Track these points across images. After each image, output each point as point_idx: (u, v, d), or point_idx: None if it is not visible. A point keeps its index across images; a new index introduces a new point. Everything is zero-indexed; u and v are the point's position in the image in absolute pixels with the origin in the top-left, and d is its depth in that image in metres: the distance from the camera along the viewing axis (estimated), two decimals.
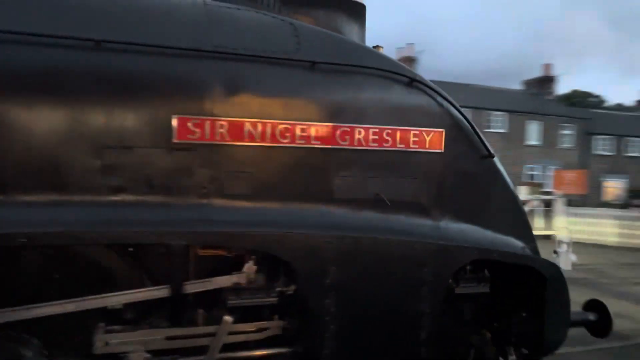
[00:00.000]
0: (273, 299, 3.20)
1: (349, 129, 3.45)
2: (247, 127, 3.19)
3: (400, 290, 3.41)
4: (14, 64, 2.80)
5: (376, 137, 3.52)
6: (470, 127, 3.80)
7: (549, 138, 39.82)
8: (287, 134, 3.29)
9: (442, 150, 3.70)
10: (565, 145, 40.51)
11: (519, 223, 4.12)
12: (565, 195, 15.87)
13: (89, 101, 2.91)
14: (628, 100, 73.60)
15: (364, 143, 3.49)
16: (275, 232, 3.13)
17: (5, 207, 2.72)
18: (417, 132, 3.64)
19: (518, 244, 3.98)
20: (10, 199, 2.74)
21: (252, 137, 3.20)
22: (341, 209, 3.41)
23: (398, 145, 3.59)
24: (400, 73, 3.64)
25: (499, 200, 4.01)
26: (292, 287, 3.20)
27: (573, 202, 20.49)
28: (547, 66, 43.42)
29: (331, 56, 3.47)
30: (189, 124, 3.07)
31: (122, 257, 3.01)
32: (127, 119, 2.97)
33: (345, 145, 3.44)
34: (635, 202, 29.86)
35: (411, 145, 3.62)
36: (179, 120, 3.05)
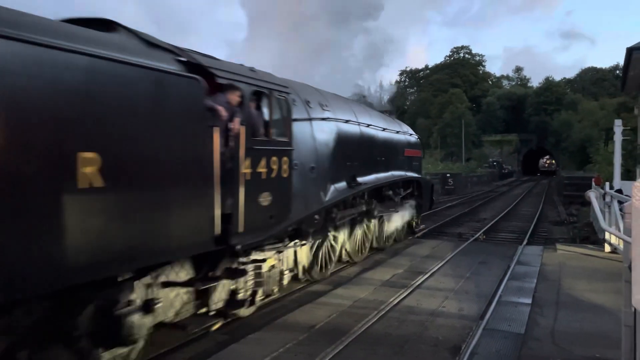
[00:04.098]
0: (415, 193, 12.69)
1: (410, 150, 13.03)
2: (408, 153, 12.41)
3: (426, 187, 13.52)
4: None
5: (412, 152, 13.21)
6: (421, 145, 14.00)
7: None
8: (401, 152, 12.63)
9: (420, 155, 13.73)
10: None
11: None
12: None
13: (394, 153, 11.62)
14: None
15: (410, 153, 13.12)
16: (416, 177, 12.63)
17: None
18: (417, 150, 13.54)
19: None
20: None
21: (407, 154, 12.42)
22: (408, 171, 12.94)
23: (415, 154, 13.40)
24: (412, 133, 13.47)
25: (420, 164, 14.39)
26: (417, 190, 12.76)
27: None
28: None
29: (401, 126, 13.00)
30: (406, 150, 12.04)
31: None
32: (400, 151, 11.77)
33: (408, 154, 12.99)
34: None
35: (418, 154, 13.50)
36: (405, 150, 11.98)
